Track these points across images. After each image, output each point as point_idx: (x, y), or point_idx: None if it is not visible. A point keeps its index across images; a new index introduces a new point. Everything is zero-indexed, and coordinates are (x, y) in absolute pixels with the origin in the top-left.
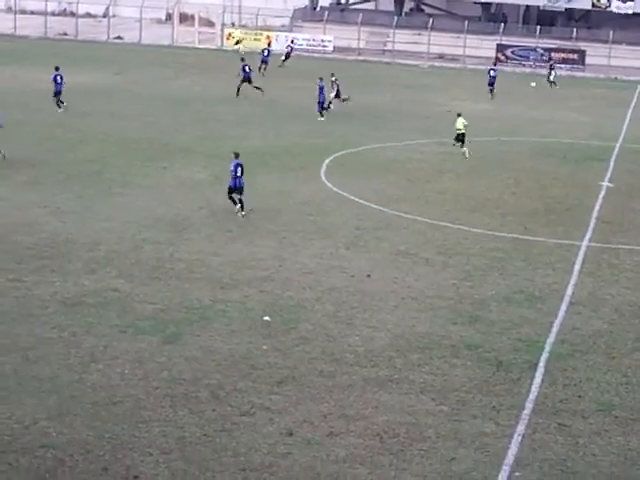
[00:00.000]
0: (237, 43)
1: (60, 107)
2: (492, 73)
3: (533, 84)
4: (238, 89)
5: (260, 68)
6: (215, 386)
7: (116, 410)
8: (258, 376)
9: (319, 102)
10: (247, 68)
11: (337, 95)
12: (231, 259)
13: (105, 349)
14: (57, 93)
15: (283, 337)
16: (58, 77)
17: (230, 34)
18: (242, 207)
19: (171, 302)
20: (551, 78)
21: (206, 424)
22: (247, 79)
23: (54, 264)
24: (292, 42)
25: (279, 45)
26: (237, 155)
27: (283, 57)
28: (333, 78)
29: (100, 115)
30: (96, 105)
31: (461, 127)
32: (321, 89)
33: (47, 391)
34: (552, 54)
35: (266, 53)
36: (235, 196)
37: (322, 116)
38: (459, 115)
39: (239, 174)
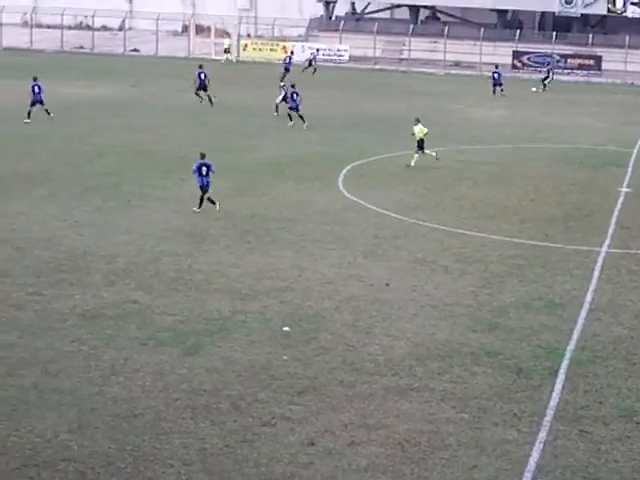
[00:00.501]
0: (226, 52)
1: (29, 117)
2: (496, 76)
3: (534, 89)
4: (203, 98)
5: (283, 77)
6: (236, 397)
7: (137, 422)
8: (279, 386)
9: (292, 107)
10: (202, 75)
11: (284, 99)
12: (250, 270)
13: (125, 361)
14: (34, 103)
15: (303, 347)
16: (36, 87)
17: (226, 49)
18: (213, 202)
19: (191, 313)
20: (546, 82)
21: (227, 435)
22: (202, 86)
23: (73, 277)
24: (317, 51)
25: (296, 55)
26: (203, 156)
27: (306, 65)
28: (282, 84)
29: (117, 128)
30: (113, 118)
31: (420, 134)
32: (294, 95)
33: (68, 404)
34: (549, 60)
35: (288, 60)
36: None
37: (291, 120)
38: (418, 121)
39: (204, 173)
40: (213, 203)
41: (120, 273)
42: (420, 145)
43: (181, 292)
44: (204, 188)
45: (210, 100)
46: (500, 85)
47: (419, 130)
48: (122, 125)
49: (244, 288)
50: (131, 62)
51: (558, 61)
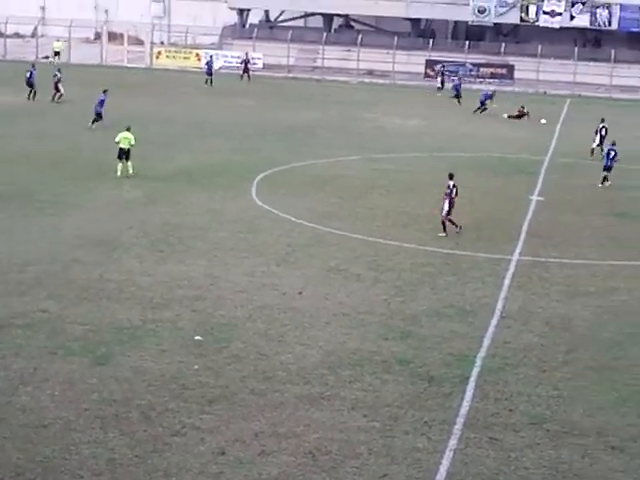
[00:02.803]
0: (56, 54)
1: None
2: (456, 85)
3: (543, 121)
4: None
5: (207, 81)
6: (146, 407)
7: (46, 433)
8: (189, 396)
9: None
10: (28, 74)
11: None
12: (162, 279)
13: (35, 371)
14: None
15: (215, 356)
16: None
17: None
18: None
19: (101, 323)
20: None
21: (137, 445)
22: (29, 83)
23: None
24: (246, 55)
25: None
26: None
27: (241, 73)
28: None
29: (30, 135)
30: (26, 126)
31: (122, 142)
32: (102, 102)
33: None
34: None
35: (208, 66)
36: None
37: (94, 124)
38: (128, 129)
39: None
40: None
41: (30, 282)
42: (123, 154)
43: (92, 301)
44: None
45: (31, 96)
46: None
47: (124, 138)
48: (35, 132)
49: (155, 297)
50: (43, 69)
51: (471, 70)
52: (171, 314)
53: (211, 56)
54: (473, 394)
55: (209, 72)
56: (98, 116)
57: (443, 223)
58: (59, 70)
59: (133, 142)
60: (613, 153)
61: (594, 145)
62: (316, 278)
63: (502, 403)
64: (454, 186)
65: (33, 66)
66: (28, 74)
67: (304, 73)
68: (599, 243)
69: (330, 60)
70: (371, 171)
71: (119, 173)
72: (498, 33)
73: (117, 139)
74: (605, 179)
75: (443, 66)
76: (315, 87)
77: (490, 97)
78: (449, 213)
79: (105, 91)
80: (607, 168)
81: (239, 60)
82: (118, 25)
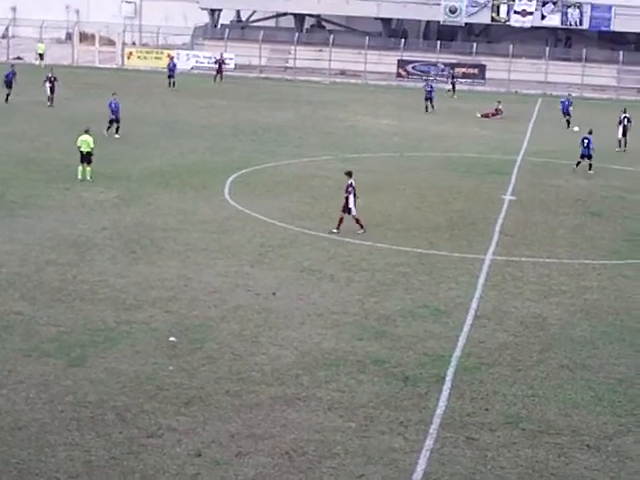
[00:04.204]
0: (41, 57)
1: None
2: (428, 88)
3: (576, 129)
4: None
5: (170, 83)
6: (121, 408)
7: (21, 435)
8: (165, 397)
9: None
10: (9, 75)
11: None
12: (135, 280)
13: (9, 373)
14: None
15: (189, 357)
16: None
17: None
18: None
19: (75, 324)
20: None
21: (113, 447)
22: (8, 84)
23: None
24: (221, 55)
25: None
26: None
27: (215, 73)
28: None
29: (1, 137)
30: None
31: (82, 145)
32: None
33: None
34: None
35: (172, 66)
36: None
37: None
38: (86, 132)
39: None
40: None
41: (3, 284)
42: (85, 158)
43: (65, 303)
44: None
45: (6, 99)
46: (429, 99)
47: (83, 141)
48: (4, 133)
49: (129, 298)
50: (22, 71)
51: (442, 70)
52: (145, 315)
53: (172, 57)
54: (449, 394)
55: (170, 74)
56: (114, 121)
57: (340, 220)
58: (52, 71)
59: (92, 145)
60: (587, 141)
61: (619, 136)
62: (290, 278)
63: (478, 402)
64: (352, 185)
65: (12, 66)
66: (10, 75)
67: (276, 73)
68: (572, 242)
69: (302, 60)
70: (344, 171)
71: (80, 176)
72: (469, 33)
73: (78, 143)
74: (589, 167)
75: (452, 68)
76: (288, 87)
77: (571, 104)
78: (350, 211)
79: (114, 94)
80: (588, 157)
81: (213, 60)
82: (89, 26)
